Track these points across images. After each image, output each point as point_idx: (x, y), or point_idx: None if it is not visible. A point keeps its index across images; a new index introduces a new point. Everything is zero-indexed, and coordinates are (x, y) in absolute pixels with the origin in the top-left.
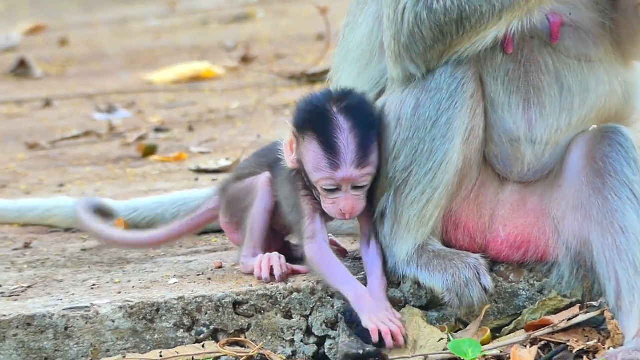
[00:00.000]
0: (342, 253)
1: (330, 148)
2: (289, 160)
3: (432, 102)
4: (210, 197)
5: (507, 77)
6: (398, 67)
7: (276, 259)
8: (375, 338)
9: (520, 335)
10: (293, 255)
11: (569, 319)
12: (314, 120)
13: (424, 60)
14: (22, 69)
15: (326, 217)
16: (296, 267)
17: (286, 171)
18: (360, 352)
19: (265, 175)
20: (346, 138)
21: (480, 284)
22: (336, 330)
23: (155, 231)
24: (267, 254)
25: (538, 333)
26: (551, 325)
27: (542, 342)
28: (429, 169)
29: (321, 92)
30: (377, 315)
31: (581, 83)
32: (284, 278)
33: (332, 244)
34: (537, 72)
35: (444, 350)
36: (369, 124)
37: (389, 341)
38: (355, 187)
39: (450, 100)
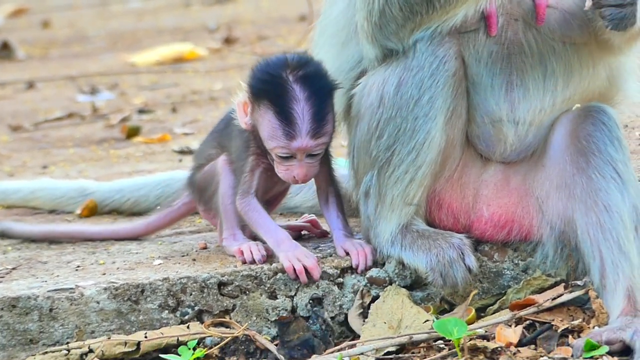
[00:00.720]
0: (323, 235)
1: (285, 119)
2: (242, 121)
3: (414, 81)
4: (183, 191)
5: (490, 59)
6: (375, 46)
7: (255, 247)
8: (291, 274)
9: (505, 314)
10: None
11: (554, 298)
12: (269, 90)
13: (398, 39)
14: (4, 51)
15: (266, 176)
16: None
17: (238, 127)
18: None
19: (222, 157)
20: (302, 108)
21: (464, 264)
22: (322, 309)
23: (133, 223)
24: (247, 243)
25: (523, 312)
26: (536, 305)
27: (527, 322)
28: (411, 147)
29: (277, 58)
30: (293, 253)
31: (565, 65)
32: (265, 261)
33: (314, 224)
34: (520, 54)
35: (430, 329)
36: (325, 93)
37: (302, 278)
38: (309, 155)
39: (432, 78)
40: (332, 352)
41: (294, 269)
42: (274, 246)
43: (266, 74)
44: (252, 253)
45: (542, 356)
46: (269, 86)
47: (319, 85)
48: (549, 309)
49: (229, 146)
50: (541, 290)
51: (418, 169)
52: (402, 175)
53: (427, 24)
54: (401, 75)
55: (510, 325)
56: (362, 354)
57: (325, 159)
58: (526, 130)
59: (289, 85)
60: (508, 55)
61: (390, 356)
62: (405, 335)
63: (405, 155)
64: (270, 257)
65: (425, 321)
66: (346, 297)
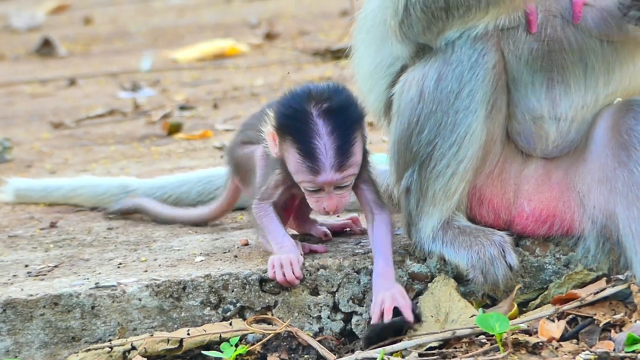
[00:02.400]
0: (363, 233)
1: (309, 154)
2: (272, 151)
3: (453, 75)
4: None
5: (530, 56)
6: (404, 44)
7: (287, 263)
8: (270, 274)
9: (548, 309)
10: (309, 231)
11: (596, 293)
12: (292, 126)
13: (425, 39)
14: (46, 48)
15: (287, 193)
16: (314, 246)
17: None
18: (384, 322)
19: (261, 149)
20: (324, 144)
21: (506, 261)
22: (363, 306)
23: (200, 209)
24: (282, 256)
25: (565, 307)
26: (578, 299)
27: (569, 316)
28: (453, 141)
29: (302, 91)
30: (279, 258)
31: (605, 63)
32: (292, 283)
33: (354, 222)
34: (560, 51)
35: (473, 325)
36: (350, 125)
37: (285, 283)
38: (338, 187)
39: (472, 71)
40: (375, 348)
41: (275, 275)
42: (276, 250)
43: (289, 108)
44: (282, 270)
45: (584, 350)
46: (292, 121)
47: (343, 118)
48: (591, 304)
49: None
50: (583, 284)
51: (460, 163)
52: (443, 170)
53: (451, 29)
54: (440, 69)
55: (552, 320)
56: (405, 349)
57: (364, 182)
58: (568, 126)
59: (312, 120)
60: (549, 52)
61: (433, 351)
62: (448, 330)
63: (446, 149)
64: (300, 278)
65: (472, 316)
66: None
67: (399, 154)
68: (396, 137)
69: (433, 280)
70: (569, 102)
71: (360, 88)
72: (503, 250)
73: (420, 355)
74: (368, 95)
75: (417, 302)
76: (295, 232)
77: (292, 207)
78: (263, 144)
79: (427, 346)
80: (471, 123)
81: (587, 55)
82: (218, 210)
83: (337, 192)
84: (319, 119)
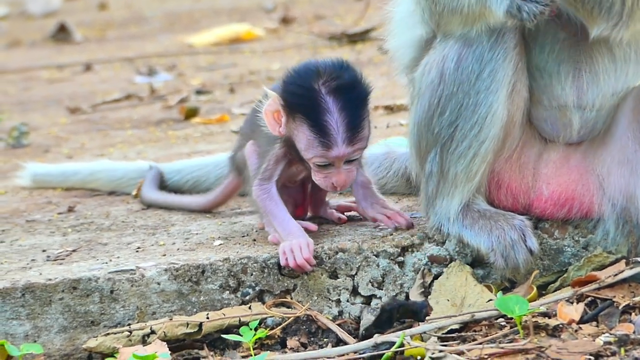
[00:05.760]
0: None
1: (321, 131)
2: (274, 129)
3: (474, 55)
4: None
5: (556, 46)
6: (424, 25)
7: (297, 248)
8: (282, 261)
9: (567, 291)
10: (322, 214)
11: (615, 275)
12: (303, 104)
13: (430, 26)
14: (62, 33)
15: (288, 171)
16: (304, 223)
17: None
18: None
19: (249, 144)
20: (336, 120)
21: (526, 245)
22: (382, 289)
23: (198, 197)
24: (293, 242)
25: (584, 289)
26: (597, 281)
27: (588, 299)
28: (474, 122)
29: (309, 69)
30: (290, 244)
31: (632, 53)
32: (303, 267)
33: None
34: (585, 40)
35: (492, 308)
36: (359, 101)
37: (297, 268)
38: (347, 161)
39: (492, 52)
40: (394, 332)
41: (287, 262)
42: (284, 236)
43: (298, 87)
44: (293, 255)
45: (604, 333)
46: (302, 100)
47: (352, 95)
48: (610, 286)
49: (257, 133)
50: (602, 267)
51: (481, 144)
52: (465, 151)
53: (449, 26)
54: (461, 51)
55: (571, 302)
56: (424, 332)
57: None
58: (595, 115)
59: (322, 97)
60: (576, 42)
61: (452, 334)
62: (467, 313)
63: (468, 130)
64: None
65: (489, 300)
66: (407, 275)
67: (420, 137)
68: (417, 120)
69: (448, 266)
70: (596, 91)
71: (390, 38)
72: (523, 234)
73: (440, 338)
74: (396, 50)
75: (433, 287)
76: (309, 214)
77: (305, 193)
78: (262, 124)
79: (447, 329)
80: (492, 103)
81: (612, 45)
82: (214, 202)
83: (345, 166)
84: (329, 96)
